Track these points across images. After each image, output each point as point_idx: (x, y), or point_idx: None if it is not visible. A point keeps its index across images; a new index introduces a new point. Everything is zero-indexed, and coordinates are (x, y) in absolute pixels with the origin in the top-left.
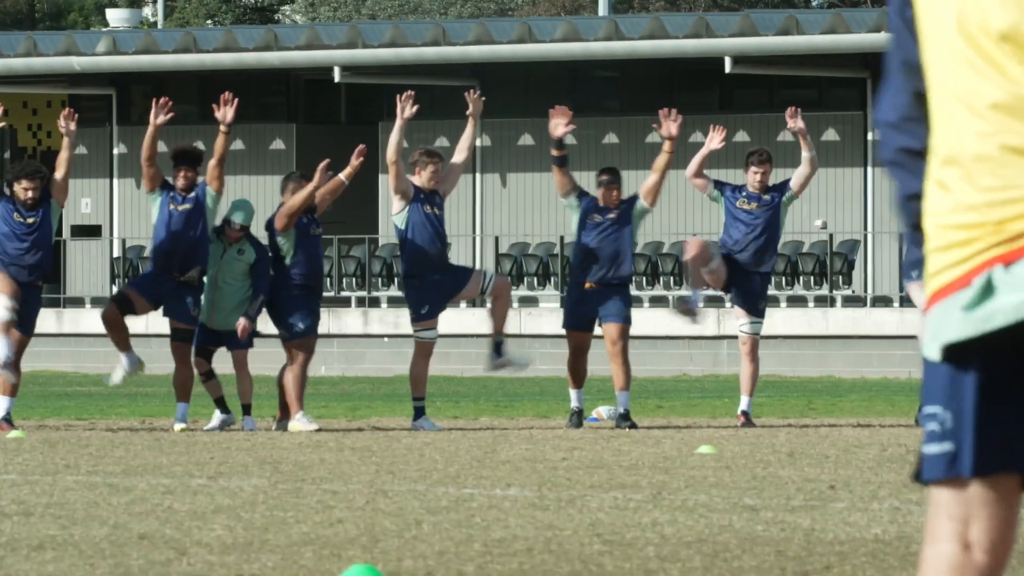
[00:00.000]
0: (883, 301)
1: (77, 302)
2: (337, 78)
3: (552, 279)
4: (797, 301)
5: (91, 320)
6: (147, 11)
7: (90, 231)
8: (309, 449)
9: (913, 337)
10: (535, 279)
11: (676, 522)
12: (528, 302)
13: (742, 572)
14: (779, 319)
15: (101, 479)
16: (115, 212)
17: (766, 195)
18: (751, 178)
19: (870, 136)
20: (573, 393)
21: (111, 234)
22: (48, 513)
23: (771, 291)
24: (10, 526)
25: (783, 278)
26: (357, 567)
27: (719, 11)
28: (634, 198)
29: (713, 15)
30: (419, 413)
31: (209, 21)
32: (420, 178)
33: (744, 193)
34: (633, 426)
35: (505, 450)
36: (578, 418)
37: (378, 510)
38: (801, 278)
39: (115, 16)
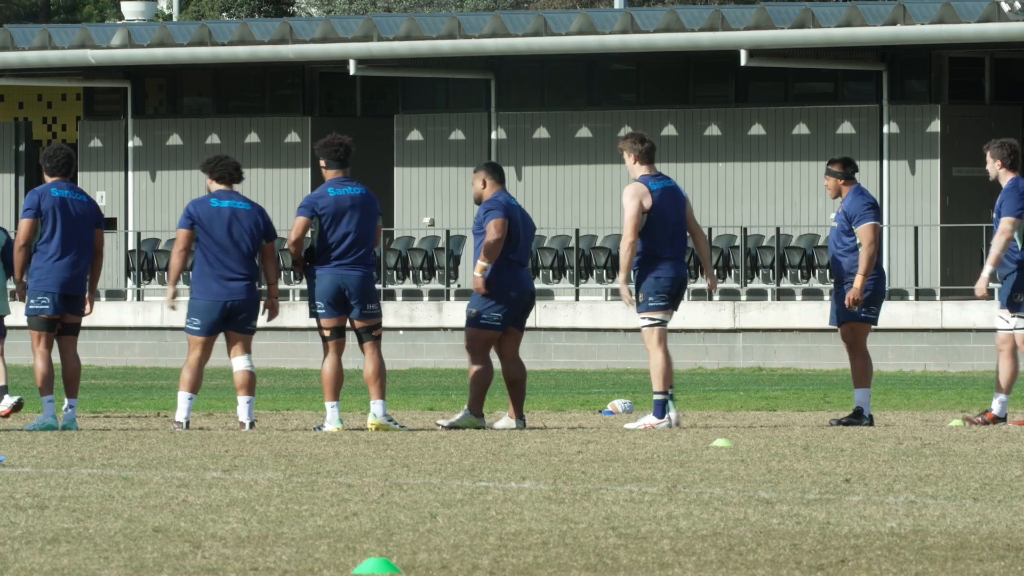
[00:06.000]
0: (898, 294)
1: None
2: (352, 71)
3: (567, 272)
4: (813, 294)
5: (106, 313)
6: (162, 4)
7: (105, 224)
8: (324, 442)
9: (928, 330)
10: (550, 272)
11: (691, 515)
12: (543, 295)
13: (757, 565)
14: (795, 312)
15: (116, 472)
16: (130, 205)
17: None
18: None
19: (886, 129)
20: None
21: (126, 227)
22: (63, 506)
23: (787, 284)
24: (24, 519)
25: (799, 271)
26: (372, 560)
27: (735, 4)
28: None
29: (729, 8)
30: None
31: (224, 14)
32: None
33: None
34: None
35: (520, 443)
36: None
37: (393, 503)
38: (816, 271)
39: (130, 9)
